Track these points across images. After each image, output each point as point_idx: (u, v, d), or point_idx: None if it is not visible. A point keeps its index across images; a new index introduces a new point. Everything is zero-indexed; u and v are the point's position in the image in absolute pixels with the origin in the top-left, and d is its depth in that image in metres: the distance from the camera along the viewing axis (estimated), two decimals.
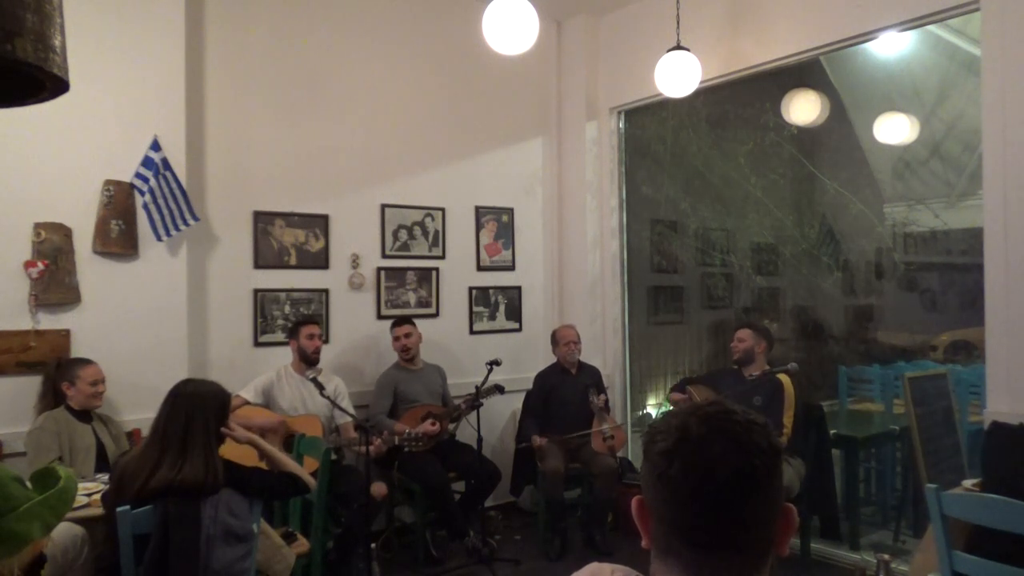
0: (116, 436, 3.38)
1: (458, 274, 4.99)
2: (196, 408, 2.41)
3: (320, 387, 3.61)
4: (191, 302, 3.93)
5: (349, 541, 3.69)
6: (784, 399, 3.82)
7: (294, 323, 4.14)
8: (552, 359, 4.75)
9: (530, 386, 4.73)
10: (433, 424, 4.12)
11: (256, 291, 4.23)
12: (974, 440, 4.19)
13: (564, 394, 4.54)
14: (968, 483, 2.92)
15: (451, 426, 4.38)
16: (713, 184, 6.24)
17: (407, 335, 4.36)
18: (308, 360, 4.00)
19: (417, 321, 4.49)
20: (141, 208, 3.70)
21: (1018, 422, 2.91)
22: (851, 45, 4.06)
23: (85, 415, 3.28)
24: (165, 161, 3.71)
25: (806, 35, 4.08)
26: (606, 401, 4.55)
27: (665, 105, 5.45)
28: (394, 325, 4.42)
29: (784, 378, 3.86)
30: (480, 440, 4.08)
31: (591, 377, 4.64)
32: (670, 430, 0.91)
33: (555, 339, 4.69)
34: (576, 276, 5.38)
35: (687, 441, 0.89)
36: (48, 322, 3.51)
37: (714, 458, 0.86)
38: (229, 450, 2.61)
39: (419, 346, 4.44)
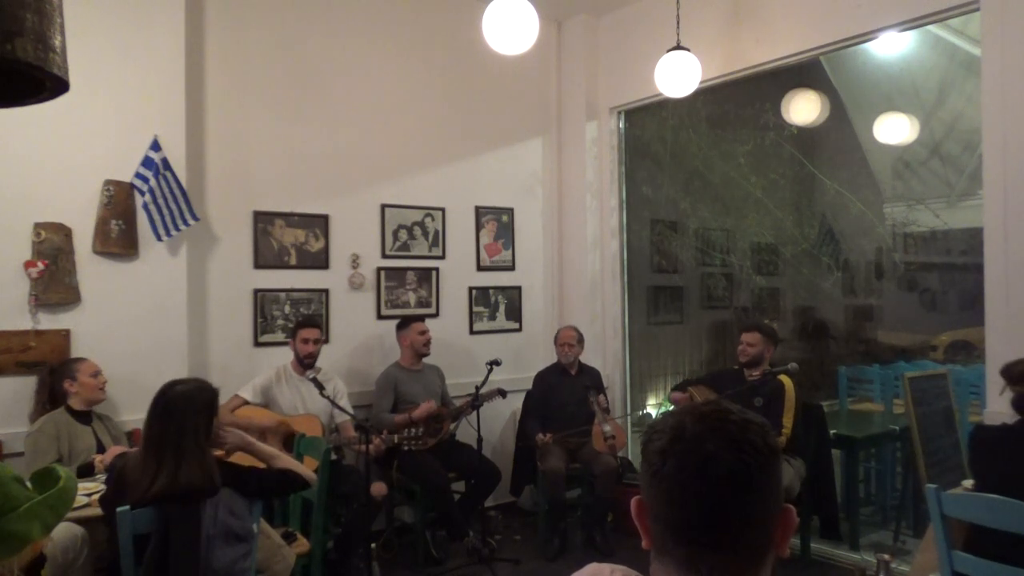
0: (116, 437, 3.38)
1: (458, 274, 4.99)
2: (185, 411, 2.35)
3: (320, 387, 3.62)
4: (191, 302, 3.93)
5: (349, 541, 3.69)
6: (785, 401, 3.80)
7: (295, 323, 4.14)
8: (554, 359, 4.76)
9: (530, 386, 4.73)
10: (429, 403, 4.12)
11: (256, 291, 4.23)
12: None
13: (563, 395, 4.54)
14: (968, 483, 2.92)
15: (451, 426, 4.38)
16: (713, 184, 6.24)
17: (427, 332, 4.40)
18: (301, 363, 4.01)
19: None
20: (141, 208, 3.70)
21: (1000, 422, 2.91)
22: (851, 45, 4.06)
23: (85, 416, 3.28)
24: (165, 161, 3.71)
25: (806, 35, 4.08)
26: (607, 402, 4.55)
27: (665, 105, 5.45)
28: (412, 321, 4.41)
29: (786, 380, 3.83)
30: (480, 440, 4.08)
31: (591, 378, 4.64)
32: (666, 429, 0.91)
33: (556, 339, 4.71)
34: (576, 276, 5.38)
35: (682, 439, 0.89)
36: (48, 322, 3.51)
37: (708, 456, 0.86)
38: None
39: None
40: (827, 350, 6.50)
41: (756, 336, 3.99)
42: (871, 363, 5.88)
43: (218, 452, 2.51)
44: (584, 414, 4.42)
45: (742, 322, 4.22)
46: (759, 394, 3.83)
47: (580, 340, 4.67)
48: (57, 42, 0.80)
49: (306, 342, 4.00)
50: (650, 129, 5.66)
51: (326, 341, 4.36)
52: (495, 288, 5.18)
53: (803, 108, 5.79)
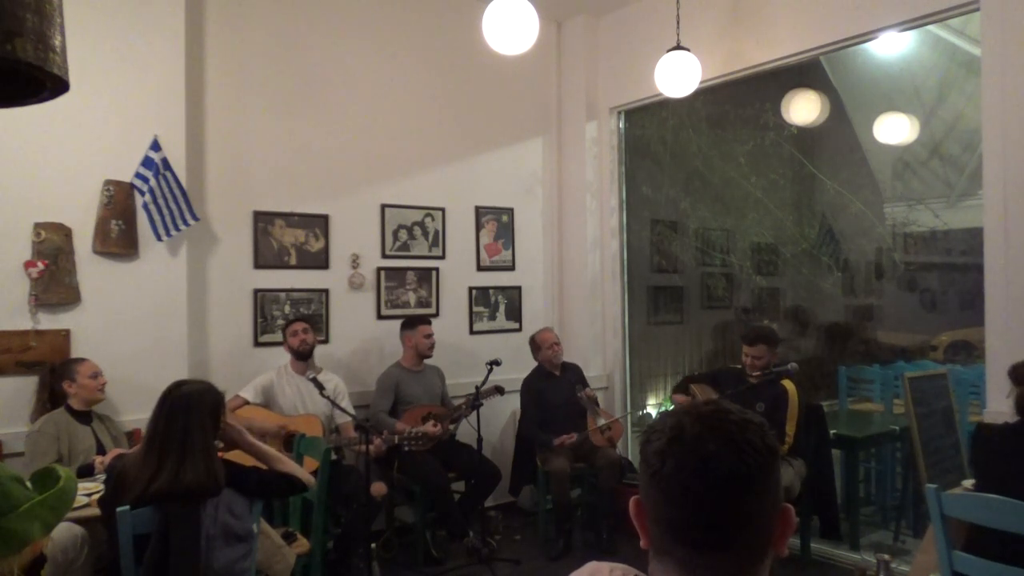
0: (116, 437, 3.38)
1: (458, 274, 4.99)
2: (191, 411, 2.35)
3: (320, 387, 3.61)
4: (191, 302, 3.93)
5: (349, 541, 3.69)
6: (788, 408, 3.77)
7: (283, 327, 4.12)
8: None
9: None
10: (435, 426, 4.11)
11: (256, 291, 4.23)
12: None
13: (553, 396, 4.51)
14: (968, 483, 2.92)
15: (451, 426, 4.38)
16: (713, 184, 6.24)
17: (432, 335, 4.39)
18: (298, 356, 4.00)
19: None
20: (141, 208, 3.70)
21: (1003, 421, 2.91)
22: (851, 45, 4.06)
23: (85, 416, 3.28)
24: (165, 161, 3.72)
25: (806, 35, 4.08)
26: (594, 393, 4.55)
27: (665, 105, 5.45)
28: (419, 323, 4.39)
29: (789, 385, 3.81)
30: (480, 440, 4.08)
31: (575, 375, 4.64)
32: (664, 429, 0.91)
33: (536, 344, 4.62)
34: (576, 276, 5.38)
35: (681, 440, 0.88)
36: (48, 322, 3.51)
37: (707, 456, 0.86)
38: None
39: None
40: (827, 350, 6.50)
41: (762, 349, 3.91)
42: (871, 363, 5.87)
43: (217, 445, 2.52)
44: (577, 411, 4.42)
45: (744, 333, 4.16)
46: (761, 397, 3.81)
47: (559, 338, 4.67)
48: (57, 42, 0.80)
49: (295, 334, 4.00)
50: (650, 129, 5.66)
51: (325, 341, 4.36)
52: (495, 288, 5.18)
53: (803, 108, 5.79)
